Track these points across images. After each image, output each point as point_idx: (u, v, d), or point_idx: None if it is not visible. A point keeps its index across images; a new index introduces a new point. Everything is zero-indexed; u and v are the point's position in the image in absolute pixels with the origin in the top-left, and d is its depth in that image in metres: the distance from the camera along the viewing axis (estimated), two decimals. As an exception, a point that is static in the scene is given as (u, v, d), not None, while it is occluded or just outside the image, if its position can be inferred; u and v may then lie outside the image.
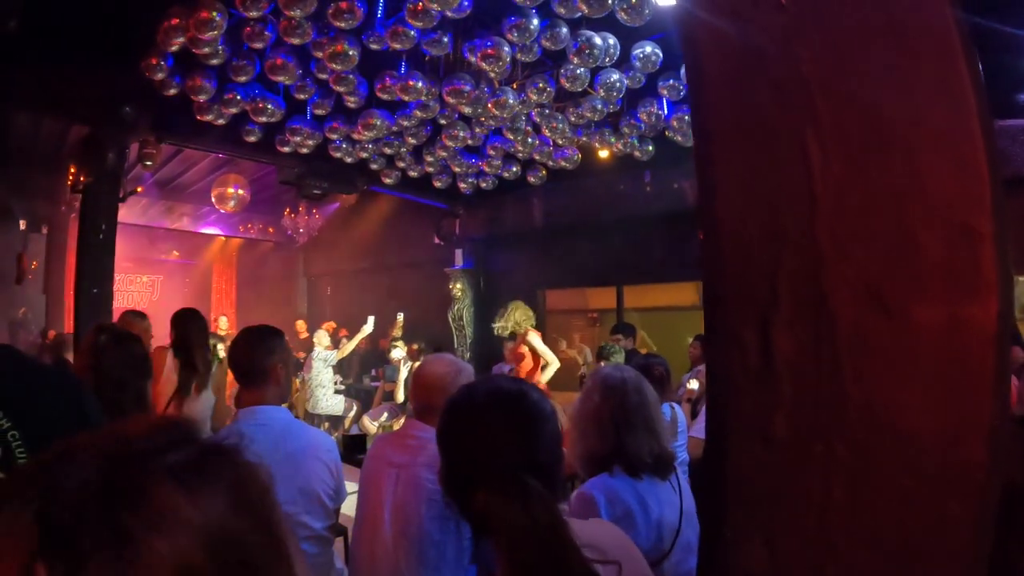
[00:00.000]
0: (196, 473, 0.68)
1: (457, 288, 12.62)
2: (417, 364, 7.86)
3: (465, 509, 1.49)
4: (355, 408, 10.53)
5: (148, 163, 8.84)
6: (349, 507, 2.86)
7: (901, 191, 0.89)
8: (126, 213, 8.63)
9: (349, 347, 10.33)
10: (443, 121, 8.13)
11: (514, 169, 9.77)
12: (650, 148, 8.67)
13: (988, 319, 0.88)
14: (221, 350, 6.38)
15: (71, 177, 7.82)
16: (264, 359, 2.82)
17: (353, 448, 5.98)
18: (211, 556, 0.64)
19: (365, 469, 2.77)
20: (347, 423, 10.35)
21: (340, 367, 12.03)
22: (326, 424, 10.37)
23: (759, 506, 1.00)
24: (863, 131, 0.92)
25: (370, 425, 8.79)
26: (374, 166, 9.75)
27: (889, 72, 0.91)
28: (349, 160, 9.19)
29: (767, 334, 0.96)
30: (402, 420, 7.53)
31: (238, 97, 7.17)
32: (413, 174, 9.98)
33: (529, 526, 1.33)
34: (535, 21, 5.95)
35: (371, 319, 9.91)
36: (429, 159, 9.34)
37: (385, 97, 7.07)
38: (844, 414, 0.93)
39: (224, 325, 12.77)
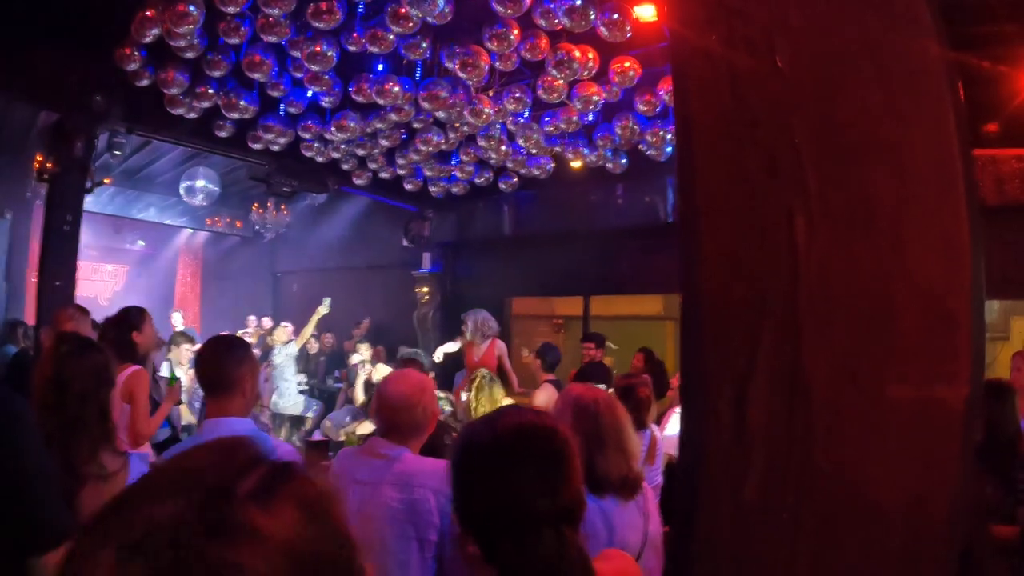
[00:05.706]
0: (270, 493, 0.71)
1: (424, 291, 12.56)
2: (373, 370, 7.85)
3: (483, 546, 1.37)
4: (315, 408, 10.43)
5: (116, 152, 8.70)
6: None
7: (885, 271, 0.90)
8: (92, 201, 8.48)
9: (307, 331, 10.20)
10: (417, 125, 8.10)
11: (487, 175, 9.77)
12: (623, 161, 8.71)
13: (958, 402, 0.89)
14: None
15: (37, 164, 7.66)
16: (233, 370, 2.78)
17: (315, 454, 5.92)
18: (296, 568, 0.67)
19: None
20: (308, 423, 10.26)
21: (306, 366, 11.90)
22: (287, 424, 10.27)
23: (727, 566, 1.01)
24: (852, 208, 0.92)
25: (332, 430, 8.73)
26: (345, 166, 9.70)
27: (883, 152, 0.92)
28: (320, 159, 9.15)
29: (742, 404, 0.96)
30: (363, 423, 7.48)
31: (211, 91, 7.10)
32: (385, 176, 9.93)
33: (555, 572, 1.30)
34: (516, 31, 5.95)
35: (327, 300, 9.75)
36: (401, 162, 9.30)
37: (360, 99, 7.03)
38: (813, 484, 0.94)
39: (179, 322, 12.40)
